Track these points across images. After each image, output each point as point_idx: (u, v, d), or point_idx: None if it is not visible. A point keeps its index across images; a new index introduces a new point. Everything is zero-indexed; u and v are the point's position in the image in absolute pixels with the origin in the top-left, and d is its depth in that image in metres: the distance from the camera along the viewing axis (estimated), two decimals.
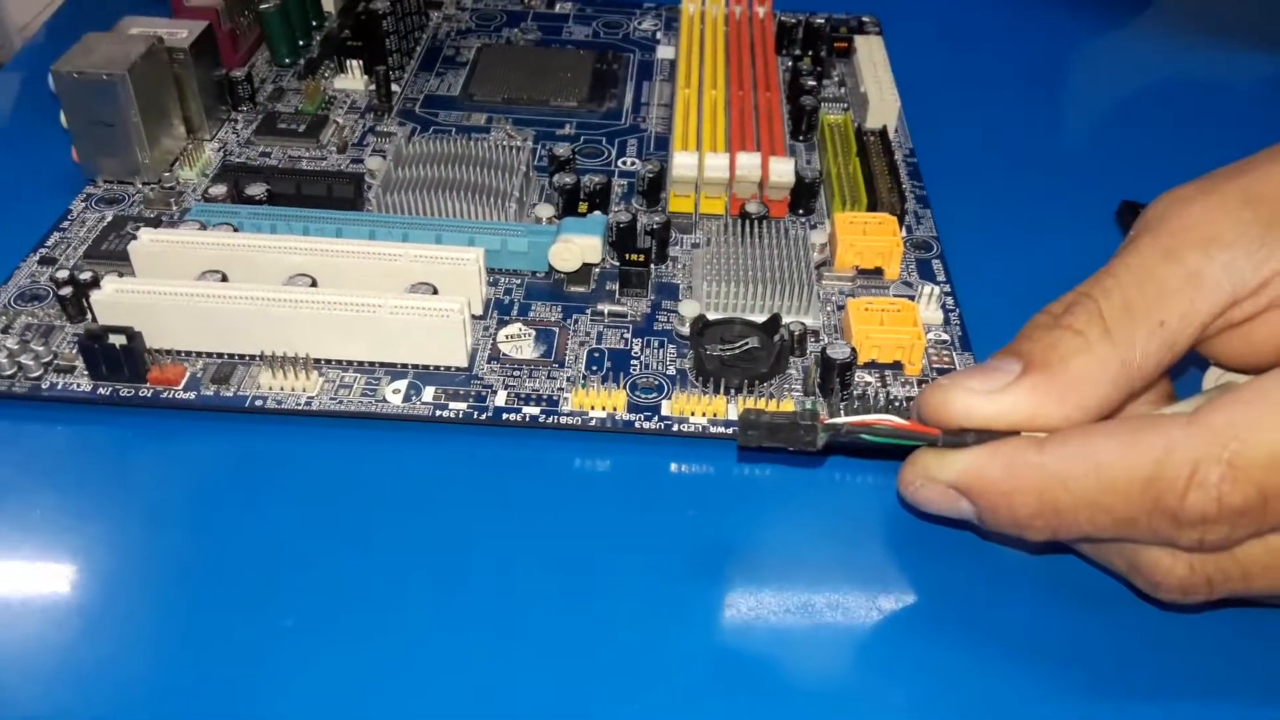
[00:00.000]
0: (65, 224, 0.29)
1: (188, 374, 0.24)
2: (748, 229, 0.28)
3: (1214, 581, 0.18)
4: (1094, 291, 0.19)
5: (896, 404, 0.24)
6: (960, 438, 0.19)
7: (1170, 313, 0.18)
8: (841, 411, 0.24)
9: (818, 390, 0.24)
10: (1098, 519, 0.18)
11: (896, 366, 0.25)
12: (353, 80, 0.35)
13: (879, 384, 0.25)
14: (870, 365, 0.25)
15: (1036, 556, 0.21)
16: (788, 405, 0.24)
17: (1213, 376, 0.21)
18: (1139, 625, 0.20)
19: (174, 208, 0.30)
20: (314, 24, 0.38)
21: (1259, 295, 0.18)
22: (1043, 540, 0.19)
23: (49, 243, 0.28)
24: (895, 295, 0.27)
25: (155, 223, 0.29)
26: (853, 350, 0.24)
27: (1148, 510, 0.17)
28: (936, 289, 0.27)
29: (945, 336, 0.26)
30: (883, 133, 0.32)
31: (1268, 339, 0.19)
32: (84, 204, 0.30)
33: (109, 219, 0.29)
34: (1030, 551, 0.21)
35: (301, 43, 0.37)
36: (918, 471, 0.19)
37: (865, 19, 0.40)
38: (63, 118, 0.30)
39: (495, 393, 0.24)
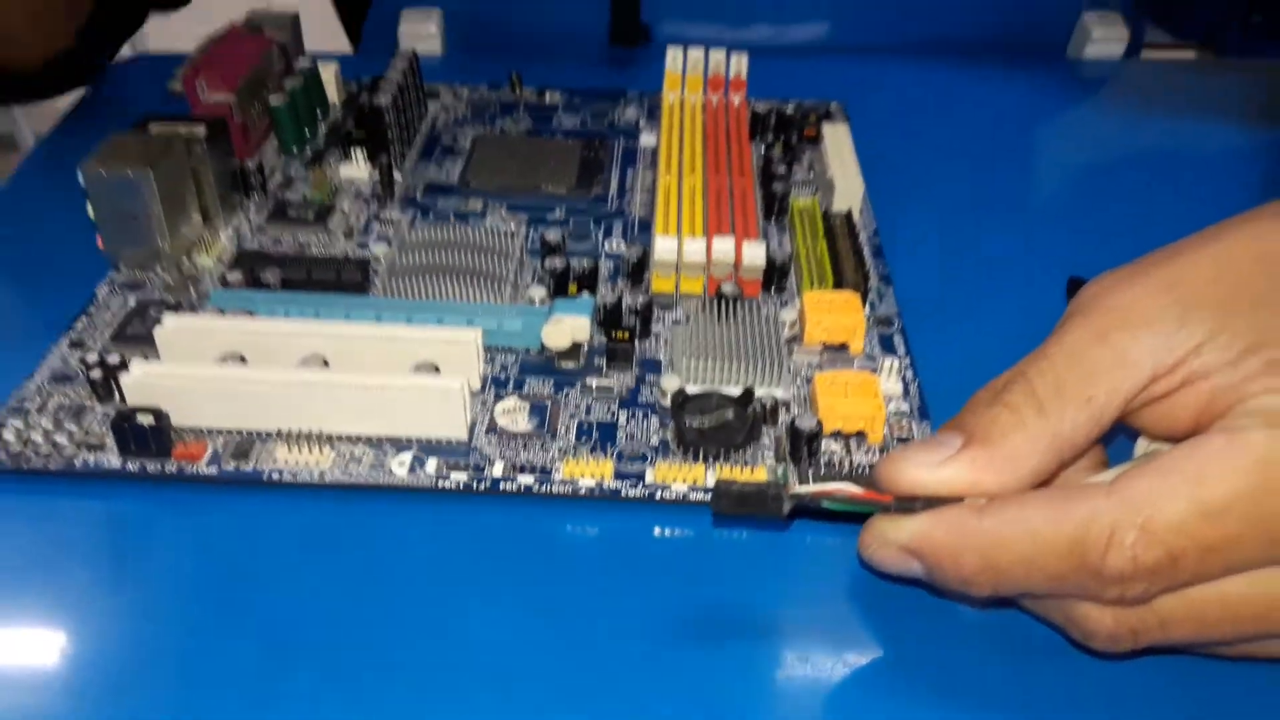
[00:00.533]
0: (92, 309, 0.31)
1: (210, 449, 0.26)
2: (724, 308, 0.31)
3: (1138, 631, 0.20)
4: (1029, 371, 0.21)
5: (860, 470, 0.27)
6: (910, 504, 0.21)
7: (1098, 390, 0.21)
8: (810, 478, 0.26)
9: (788, 458, 0.27)
10: (1032, 576, 0.20)
11: (860, 436, 0.27)
12: (357, 169, 0.38)
13: (844, 452, 0.27)
14: (836, 434, 0.27)
15: (984, 611, 0.23)
16: (761, 472, 0.26)
17: (1142, 445, 0.24)
18: (1077, 673, 0.22)
19: (193, 292, 0.32)
20: (319, 115, 0.41)
21: (1175, 373, 0.20)
22: (986, 596, 0.21)
23: (77, 326, 0.30)
24: (859, 368, 0.30)
25: (176, 307, 0.31)
26: (819, 422, 0.26)
27: (1074, 568, 0.19)
28: (897, 362, 0.29)
29: (905, 407, 0.28)
30: (848, 215, 0.35)
31: (1184, 412, 0.21)
32: (109, 289, 0.32)
33: (132, 304, 0.31)
34: (977, 607, 0.23)
35: (308, 133, 0.40)
36: (874, 535, 0.22)
37: (832, 106, 0.43)
38: (89, 209, 0.32)
39: (493, 463, 0.26)
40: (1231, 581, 0.19)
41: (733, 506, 0.22)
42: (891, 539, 0.21)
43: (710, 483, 0.26)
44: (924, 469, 0.21)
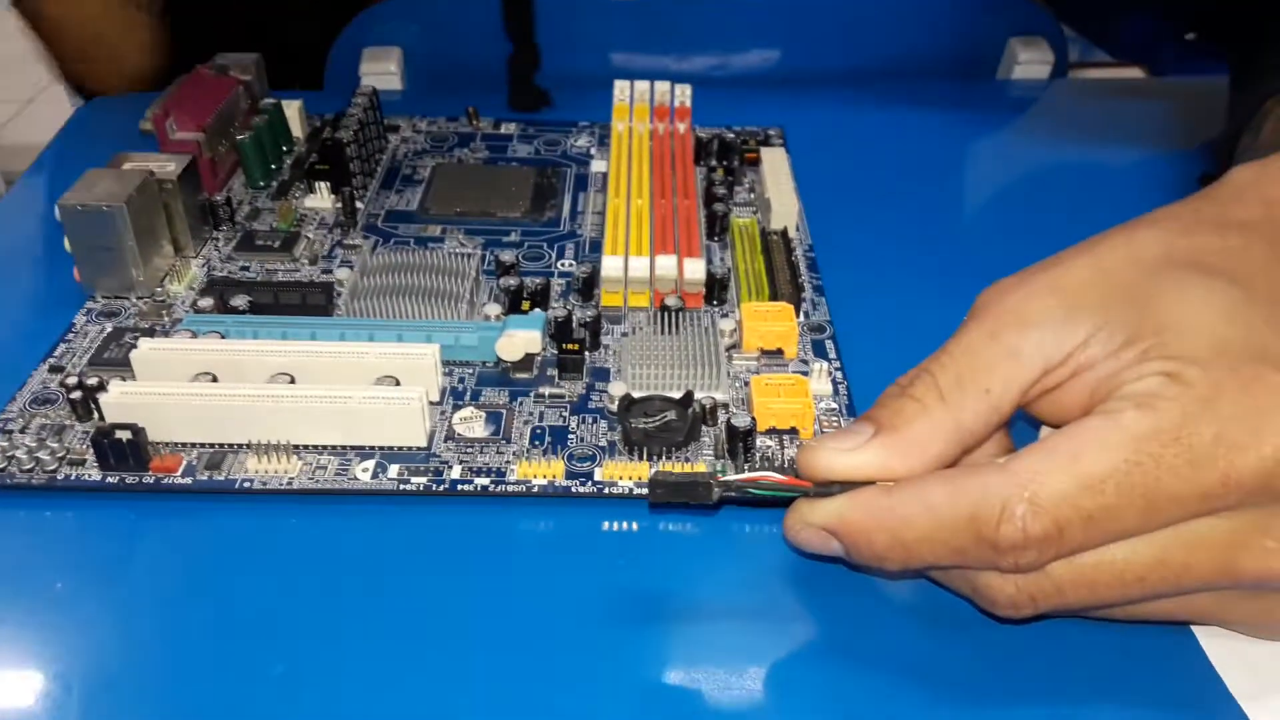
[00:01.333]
0: (70, 336, 0.33)
1: (184, 462, 0.28)
2: (668, 319, 0.33)
3: (1036, 598, 0.22)
4: (932, 367, 0.23)
5: (791, 465, 0.29)
6: (828, 489, 0.23)
7: (994, 382, 0.23)
8: (746, 471, 0.28)
9: (726, 454, 0.29)
10: (936, 550, 0.22)
11: (793, 432, 0.30)
12: (321, 200, 0.40)
13: (778, 447, 0.29)
14: (770, 431, 0.30)
15: (899, 583, 0.26)
16: (700, 467, 0.28)
17: (1044, 433, 0.26)
18: (986, 639, 0.24)
19: (165, 319, 0.34)
20: (284, 149, 0.43)
21: (1065, 365, 0.22)
22: (898, 569, 0.23)
23: (57, 353, 0.32)
24: (793, 371, 0.32)
25: (150, 333, 0.33)
26: (753, 419, 0.28)
27: (973, 541, 0.21)
28: (827, 365, 0.32)
29: (834, 405, 0.31)
30: (784, 233, 0.38)
31: (1073, 401, 0.23)
32: (85, 317, 0.34)
33: (108, 330, 0.33)
34: (892, 579, 0.25)
35: (273, 167, 0.42)
36: (796, 518, 0.24)
37: (772, 131, 0.45)
38: (66, 243, 0.34)
39: (451, 467, 0.28)
40: (1114, 548, 0.21)
41: (667, 495, 0.24)
42: (811, 520, 0.23)
43: None
44: (838, 455, 0.23)
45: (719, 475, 0.24)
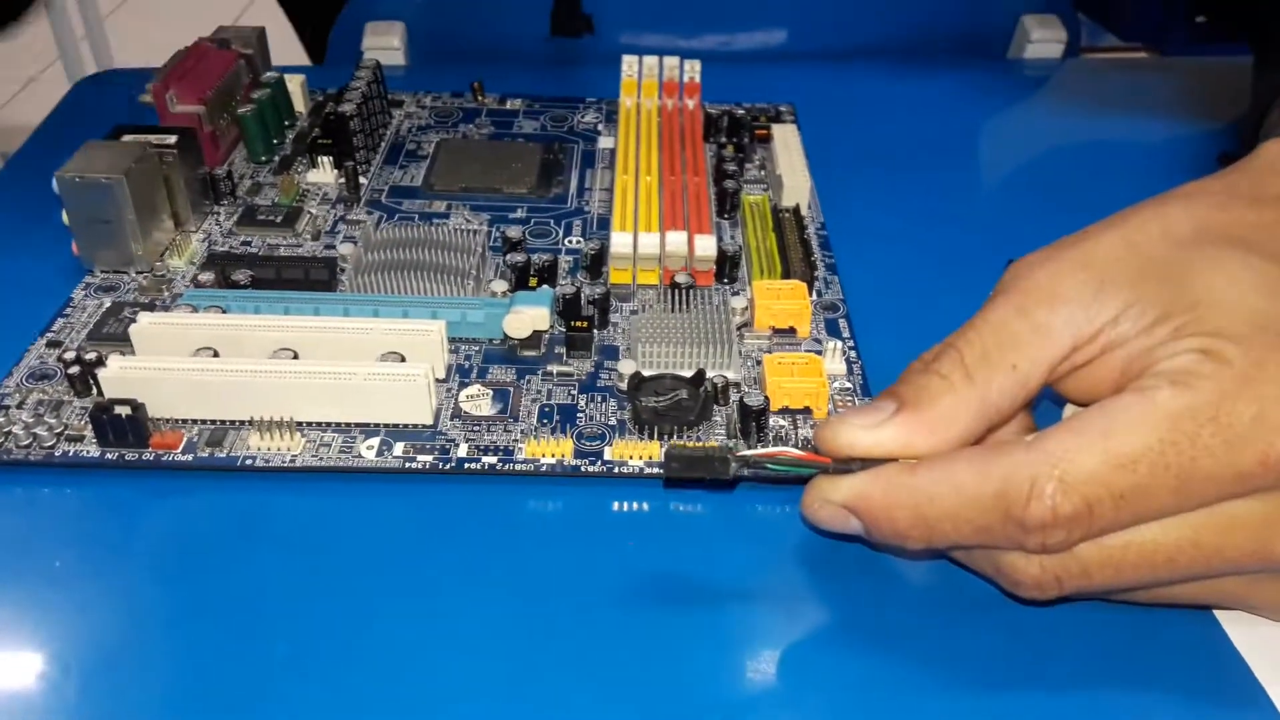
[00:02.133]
0: (68, 310, 0.32)
1: (185, 439, 0.28)
2: (678, 297, 0.32)
3: (1062, 579, 0.22)
4: (958, 342, 0.23)
5: (806, 444, 0.28)
6: (848, 465, 0.23)
7: (1021, 358, 0.22)
8: (760, 448, 0.28)
9: (739, 434, 0.28)
10: (961, 529, 0.21)
11: (806, 412, 0.29)
12: (324, 174, 0.39)
13: (791, 427, 0.29)
14: (784, 411, 0.29)
15: (922, 567, 0.25)
16: (712, 446, 0.28)
17: (1069, 411, 0.25)
18: (1007, 621, 0.24)
19: (165, 293, 0.33)
20: (286, 124, 0.42)
21: (1094, 342, 0.22)
22: (919, 549, 0.22)
23: (55, 327, 0.31)
24: (806, 350, 0.31)
25: (150, 307, 0.32)
26: (766, 398, 0.28)
27: (999, 520, 0.21)
28: (841, 344, 0.31)
29: (849, 385, 0.30)
30: (796, 210, 0.37)
31: (1103, 378, 0.22)
32: (84, 292, 0.33)
33: (107, 305, 0.32)
34: (912, 559, 0.25)
35: (275, 141, 0.41)
36: (815, 495, 0.23)
37: (783, 108, 0.44)
38: (64, 216, 0.33)
39: (458, 445, 0.28)
40: (1144, 529, 0.21)
41: (683, 469, 0.23)
42: (830, 497, 0.23)
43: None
44: (860, 431, 0.22)
45: (735, 450, 0.23)
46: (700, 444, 0.28)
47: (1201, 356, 0.20)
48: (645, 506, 0.27)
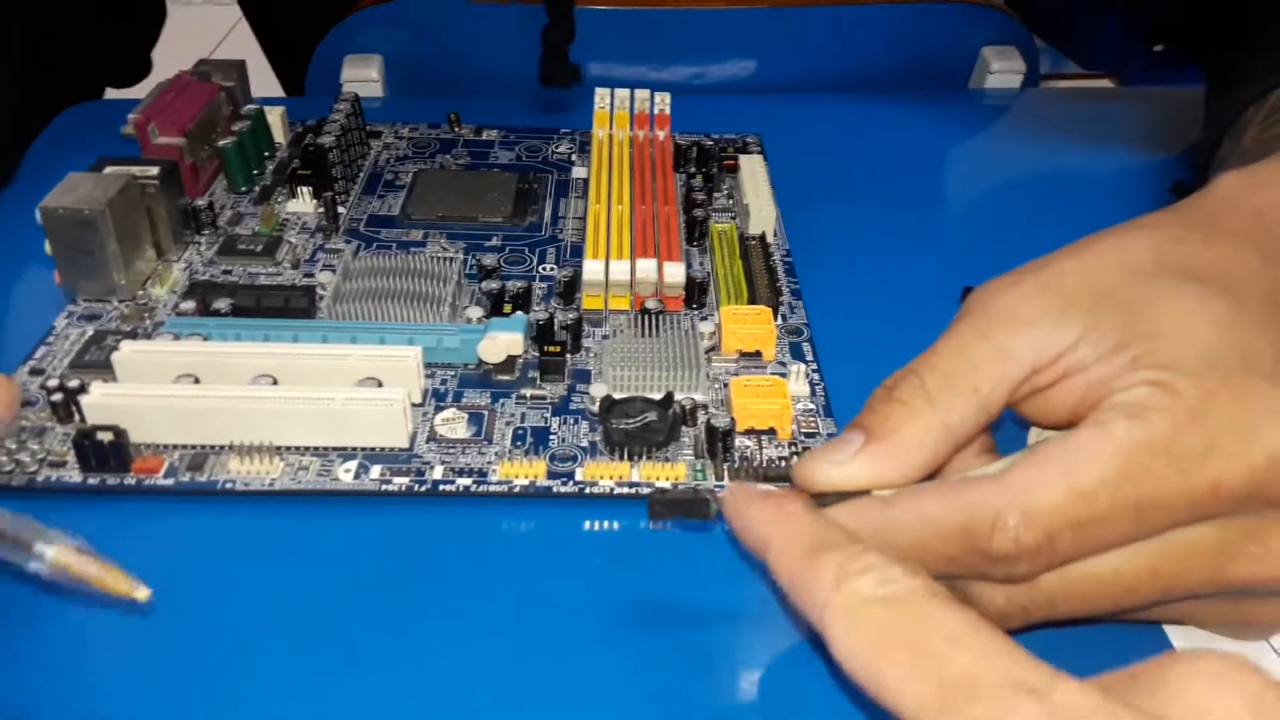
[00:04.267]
0: (50, 339, 0.33)
1: (166, 463, 0.28)
2: (648, 322, 0.33)
3: (1027, 609, 0.22)
4: (920, 368, 0.23)
5: (772, 463, 0.29)
6: (825, 499, 0.23)
7: (983, 381, 0.23)
8: (725, 472, 0.29)
9: (706, 454, 0.29)
10: (928, 559, 0.22)
11: (771, 432, 0.30)
12: (303, 204, 0.40)
13: (756, 447, 0.30)
14: (749, 432, 0.30)
15: None
16: (680, 468, 0.29)
17: (1034, 434, 0.26)
18: None
19: (147, 322, 0.34)
20: (266, 155, 0.43)
21: (1055, 366, 0.22)
22: None
23: (37, 355, 0.32)
24: (771, 373, 0.32)
25: (132, 335, 0.33)
26: (732, 420, 0.29)
27: (965, 550, 0.21)
28: (805, 366, 0.32)
29: (812, 405, 0.31)
30: (762, 238, 0.38)
31: (1062, 402, 0.23)
32: (66, 321, 0.34)
33: (90, 333, 0.33)
34: None
35: (255, 172, 0.42)
36: None
37: (749, 138, 0.46)
38: (47, 246, 0.34)
39: (433, 468, 0.29)
40: (1105, 560, 0.22)
41: (665, 513, 0.24)
42: None
43: (635, 478, 0.28)
44: (832, 468, 0.23)
45: (716, 492, 0.24)
46: (668, 467, 0.29)
47: (1155, 389, 0.21)
48: (617, 526, 0.28)
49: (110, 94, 0.51)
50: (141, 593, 0.22)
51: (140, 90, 0.48)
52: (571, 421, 0.31)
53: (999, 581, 0.22)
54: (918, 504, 0.22)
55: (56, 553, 0.21)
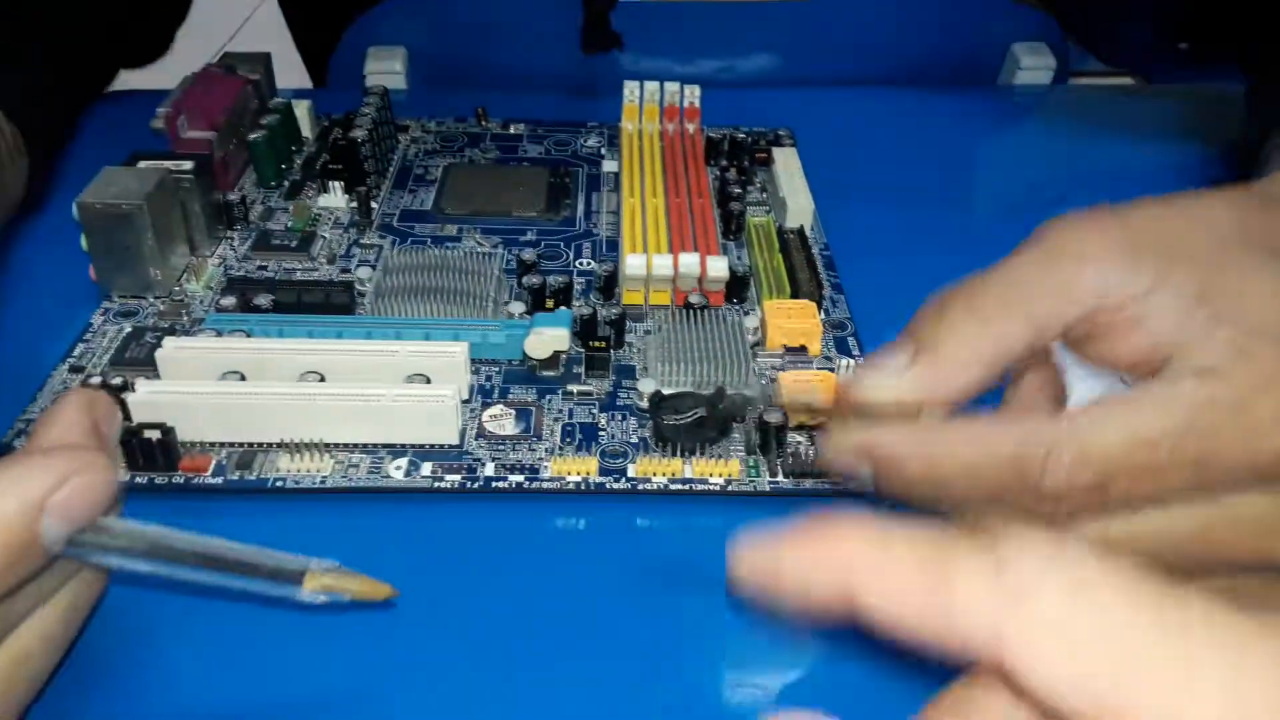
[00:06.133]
0: (88, 335, 0.32)
1: (214, 462, 0.28)
2: (692, 317, 0.33)
3: None
4: (976, 286, 0.23)
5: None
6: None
7: (1039, 308, 0.22)
8: (778, 468, 0.28)
9: (758, 450, 0.29)
10: (972, 485, 0.21)
11: (822, 429, 0.30)
12: (335, 199, 0.40)
13: (809, 444, 0.29)
14: (800, 428, 0.30)
15: None
16: (734, 464, 0.28)
17: (1071, 376, 0.24)
18: None
19: (185, 318, 0.33)
20: (294, 149, 0.43)
21: (1124, 310, 0.21)
22: (921, 503, 0.22)
23: (76, 353, 0.32)
24: (818, 368, 0.32)
25: (170, 332, 0.33)
26: (785, 415, 0.29)
27: (1014, 480, 0.21)
28: (852, 361, 0.32)
29: None
30: (800, 231, 0.38)
31: (1131, 348, 0.22)
32: (103, 317, 0.33)
33: (127, 330, 0.33)
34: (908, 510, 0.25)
35: (284, 166, 0.42)
36: (833, 441, 0.23)
37: (781, 132, 0.46)
38: (83, 241, 0.33)
39: (485, 464, 0.28)
40: (1151, 517, 0.21)
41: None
42: (845, 443, 0.23)
43: (688, 475, 0.28)
44: (883, 382, 0.23)
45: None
46: (720, 463, 0.28)
47: (1233, 350, 0.21)
48: (670, 523, 0.28)
49: (133, 85, 0.50)
50: (392, 592, 0.22)
51: (155, 80, 0.48)
52: (619, 417, 0.30)
53: (1041, 520, 0.21)
54: (973, 426, 0.22)
55: (318, 577, 0.21)
